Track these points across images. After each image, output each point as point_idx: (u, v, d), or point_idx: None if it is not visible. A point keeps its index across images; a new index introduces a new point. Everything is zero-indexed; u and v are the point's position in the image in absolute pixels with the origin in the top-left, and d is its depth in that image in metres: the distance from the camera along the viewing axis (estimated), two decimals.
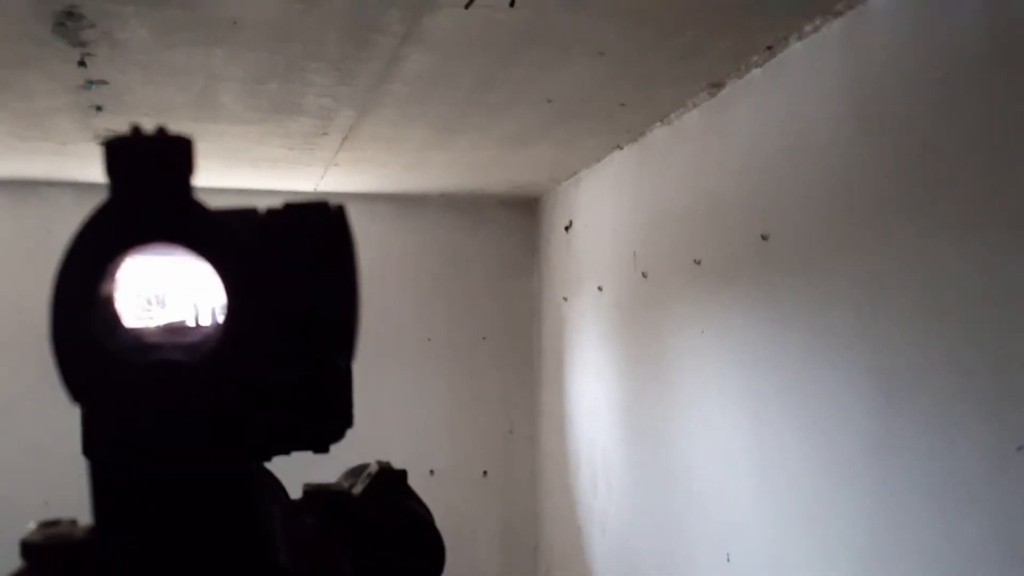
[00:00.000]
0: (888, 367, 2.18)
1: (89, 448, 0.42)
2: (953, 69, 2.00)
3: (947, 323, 2.00)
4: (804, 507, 2.53)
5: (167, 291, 0.48)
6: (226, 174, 4.18)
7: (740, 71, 2.83)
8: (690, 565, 3.23)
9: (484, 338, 5.06)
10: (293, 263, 0.46)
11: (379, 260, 4.70)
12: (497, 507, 5.04)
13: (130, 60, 2.64)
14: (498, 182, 4.56)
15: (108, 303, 0.41)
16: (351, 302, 0.47)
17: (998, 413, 1.85)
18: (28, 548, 0.47)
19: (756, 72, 2.79)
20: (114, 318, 0.42)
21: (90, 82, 2.83)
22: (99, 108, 3.12)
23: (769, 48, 2.63)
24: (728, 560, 2.94)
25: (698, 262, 3.17)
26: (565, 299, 4.61)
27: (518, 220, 5.09)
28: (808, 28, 2.47)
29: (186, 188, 0.40)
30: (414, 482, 0.69)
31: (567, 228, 4.59)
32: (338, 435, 0.48)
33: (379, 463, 0.64)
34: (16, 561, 0.49)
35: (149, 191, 0.40)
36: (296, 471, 0.59)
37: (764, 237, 2.73)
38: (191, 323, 0.49)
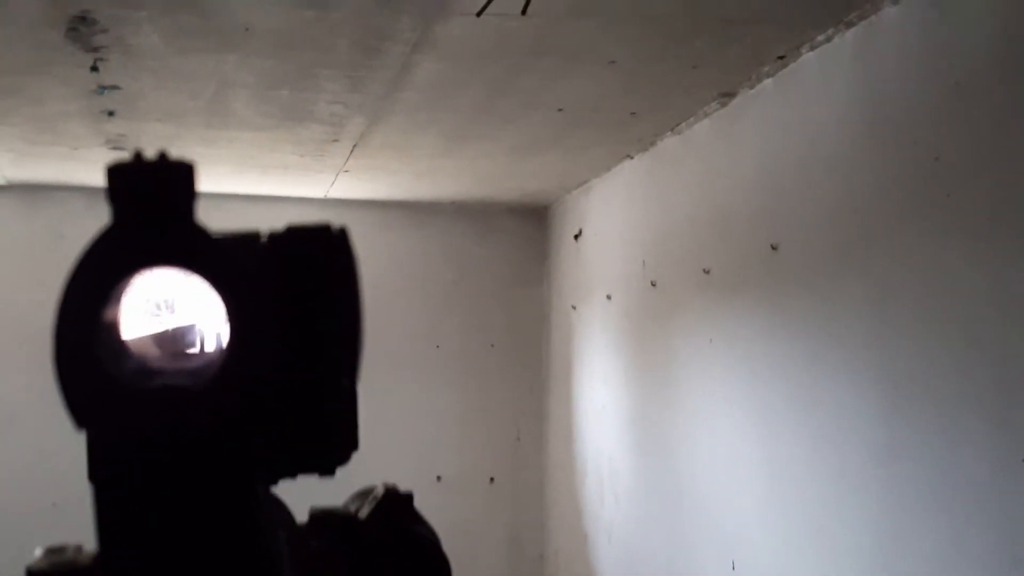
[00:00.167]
0: (895, 376, 2.17)
1: (94, 473, 0.42)
2: (964, 80, 1.99)
3: (954, 333, 1.99)
4: (810, 515, 2.52)
5: (177, 297, 0.48)
6: (237, 180, 4.19)
7: (751, 81, 2.82)
8: (696, 573, 3.22)
9: (493, 345, 5.06)
10: (296, 287, 0.46)
11: (388, 267, 4.70)
12: (504, 514, 5.04)
13: (142, 66, 2.65)
14: (508, 190, 4.56)
15: (111, 328, 0.41)
16: (355, 325, 0.47)
17: (1005, 422, 1.85)
18: (34, 575, 0.47)
19: (767, 82, 2.79)
20: (118, 343, 0.42)
21: (102, 87, 2.84)
22: (111, 113, 3.13)
23: (781, 58, 2.62)
24: (733, 568, 2.93)
25: (707, 271, 3.17)
26: (574, 307, 4.61)
27: (528, 228, 5.09)
28: (820, 38, 2.46)
29: (188, 213, 0.40)
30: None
31: (577, 237, 4.58)
32: (344, 458, 0.48)
33: (385, 485, 0.64)
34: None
35: (151, 216, 0.40)
36: (303, 494, 0.59)
37: (774, 247, 2.72)
38: (195, 348, 0.49)
